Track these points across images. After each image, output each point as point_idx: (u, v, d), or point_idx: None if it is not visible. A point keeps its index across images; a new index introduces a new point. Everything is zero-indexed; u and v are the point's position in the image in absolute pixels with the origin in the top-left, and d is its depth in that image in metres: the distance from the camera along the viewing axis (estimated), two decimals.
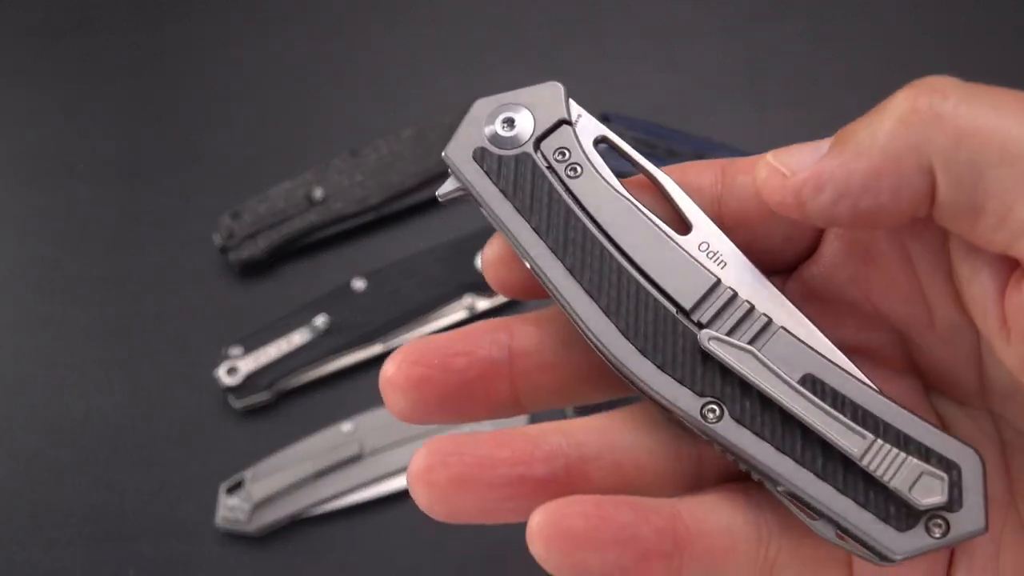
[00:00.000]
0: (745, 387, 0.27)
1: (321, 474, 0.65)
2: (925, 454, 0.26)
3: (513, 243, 0.29)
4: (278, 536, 0.65)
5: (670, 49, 0.82)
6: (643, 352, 0.28)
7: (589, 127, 0.30)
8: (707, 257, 0.29)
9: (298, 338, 0.69)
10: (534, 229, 0.29)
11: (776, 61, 0.81)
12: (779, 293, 0.29)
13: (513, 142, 0.30)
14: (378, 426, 0.66)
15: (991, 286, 0.26)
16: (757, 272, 0.29)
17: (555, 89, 0.30)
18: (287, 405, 0.70)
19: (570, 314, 0.28)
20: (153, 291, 0.74)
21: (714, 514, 0.28)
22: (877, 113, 0.26)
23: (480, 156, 0.30)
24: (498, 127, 0.30)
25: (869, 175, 0.26)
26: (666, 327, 0.28)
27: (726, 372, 0.27)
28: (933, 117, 0.25)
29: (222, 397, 0.69)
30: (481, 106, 0.30)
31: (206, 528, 0.65)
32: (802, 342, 0.28)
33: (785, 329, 0.28)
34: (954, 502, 0.26)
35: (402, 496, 0.66)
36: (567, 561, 0.26)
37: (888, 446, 0.26)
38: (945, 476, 0.26)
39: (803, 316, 0.28)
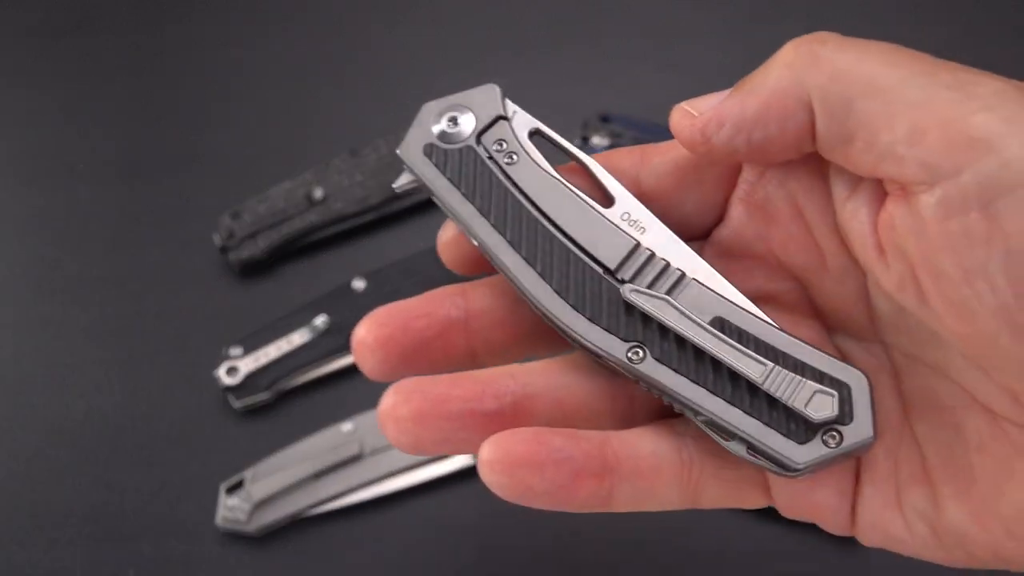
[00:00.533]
0: (663, 331, 0.32)
1: (321, 474, 0.65)
2: (819, 377, 0.31)
3: (462, 225, 0.34)
4: (278, 536, 0.65)
5: (670, 49, 0.82)
6: (576, 308, 0.32)
7: (524, 121, 0.35)
8: (628, 225, 0.33)
9: (298, 338, 0.69)
10: (478, 211, 0.33)
11: None
12: (692, 251, 0.33)
13: (457, 137, 0.34)
14: (378, 426, 0.66)
15: (866, 218, 0.31)
16: (672, 235, 0.33)
17: (492, 90, 0.35)
18: (287, 405, 0.70)
19: (512, 280, 0.33)
20: (153, 291, 0.74)
21: (641, 442, 0.32)
22: (768, 61, 0.31)
23: (430, 151, 0.35)
24: (444, 125, 0.35)
25: (759, 110, 0.30)
26: (594, 285, 0.33)
27: (647, 319, 0.32)
28: (812, 59, 0.30)
29: (222, 397, 0.69)
30: (429, 108, 0.35)
31: (206, 528, 0.65)
32: (711, 291, 0.32)
33: (697, 280, 0.32)
34: (845, 416, 0.30)
35: (402, 496, 0.66)
36: (511, 482, 0.30)
37: (786, 372, 0.31)
38: (835, 393, 0.30)
39: (713, 270, 0.33)
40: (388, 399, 0.32)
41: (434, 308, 0.34)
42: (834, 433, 0.30)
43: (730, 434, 0.31)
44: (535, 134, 0.35)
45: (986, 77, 0.28)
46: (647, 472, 0.32)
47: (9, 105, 0.83)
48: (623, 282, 0.33)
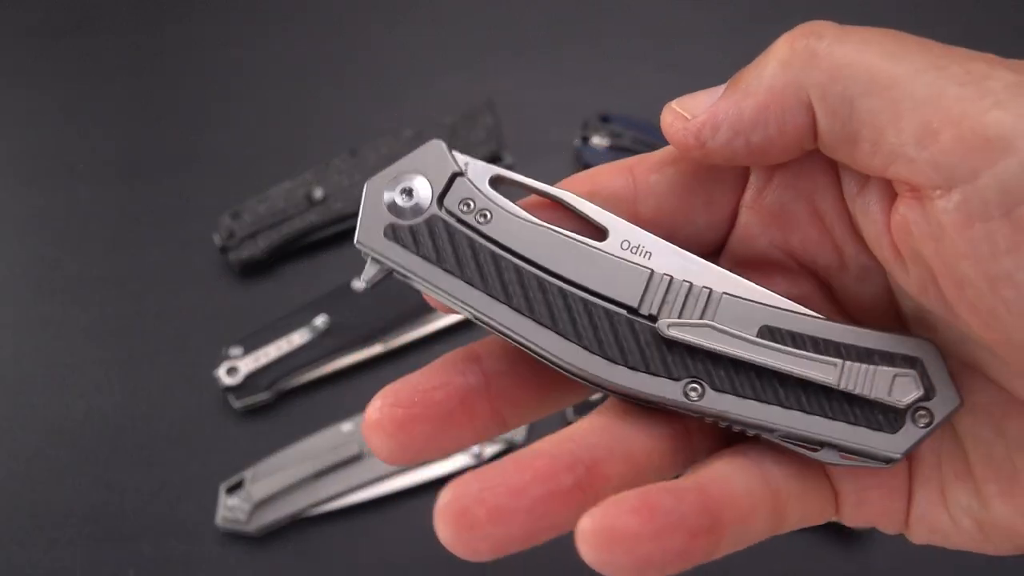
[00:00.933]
0: (714, 358, 0.29)
1: (321, 474, 0.65)
2: (889, 359, 0.29)
3: (452, 303, 0.30)
4: (278, 536, 0.65)
5: (670, 49, 0.82)
6: (613, 360, 0.29)
7: (479, 171, 0.31)
8: (632, 253, 0.31)
9: (298, 338, 0.69)
10: (468, 283, 0.30)
11: None
12: (708, 263, 0.31)
13: (417, 209, 0.31)
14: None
15: (879, 219, 0.29)
16: (681, 251, 0.31)
17: (437, 147, 0.31)
18: (287, 405, 0.70)
19: (532, 350, 0.30)
20: (153, 291, 0.74)
21: (731, 482, 0.29)
22: (763, 56, 0.29)
23: (392, 233, 0.30)
24: (398, 200, 0.31)
25: (757, 111, 0.29)
26: (623, 330, 0.30)
27: (692, 351, 0.29)
28: (809, 56, 0.28)
29: (222, 397, 0.69)
30: (374, 185, 0.31)
31: (206, 528, 0.65)
32: (747, 299, 0.30)
33: (727, 294, 0.30)
34: (928, 390, 0.29)
35: (402, 496, 0.66)
36: (628, 558, 0.26)
37: (856, 365, 0.29)
38: (913, 372, 0.29)
39: (736, 276, 0.30)
40: (450, 503, 0.28)
41: (450, 377, 0.31)
42: (923, 411, 0.29)
43: (817, 443, 0.29)
44: (496, 180, 0.32)
45: (999, 68, 0.26)
46: (747, 513, 0.29)
47: (9, 105, 0.83)
48: (652, 318, 0.30)
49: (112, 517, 0.66)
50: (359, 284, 0.30)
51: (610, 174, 0.32)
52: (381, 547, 0.65)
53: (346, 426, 0.66)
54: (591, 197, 0.32)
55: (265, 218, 0.73)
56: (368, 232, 0.31)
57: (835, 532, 0.63)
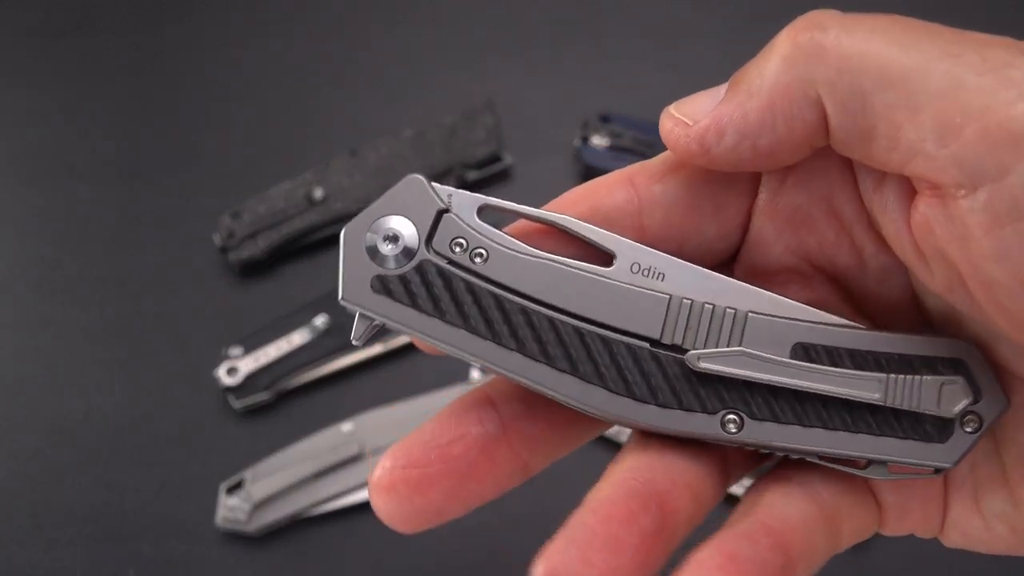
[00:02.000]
0: (750, 385, 0.28)
1: (321, 474, 0.65)
2: (931, 365, 0.28)
3: (458, 355, 0.28)
4: (278, 536, 0.65)
5: (670, 49, 0.82)
6: (642, 400, 0.28)
7: (466, 202, 0.29)
8: (644, 277, 0.29)
9: (298, 338, 0.69)
10: (473, 333, 0.28)
11: None
12: (725, 277, 0.29)
13: (405, 255, 0.28)
14: (378, 426, 0.66)
15: (899, 218, 0.28)
16: (695, 267, 0.29)
17: (416, 183, 0.29)
18: (287, 405, 0.70)
19: (553, 397, 0.28)
20: (153, 291, 0.74)
21: (790, 512, 0.28)
22: (765, 53, 0.27)
23: (380, 284, 0.28)
24: (382, 247, 0.28)
25: (763, 113, 0.27)
26: (649, 365, 0.28)
27: (726, 381, 0.28)
28: (815, 50, 0.26)
29: (222, 397, 0.69)
30: (351, 233, 0.28)
31: (206, 528, 0.65)
32: (774, 316, 0.28)
33: (753, 312, 0.28)
34: (975, 394, 0.28)
35: None
36: None
37: (900, 378, 0.28)
38: (960, 378, 0.28)
39: (756, 288, 0.29)
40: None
41: (467, 428, 0.29)
42: (971, 415, 0.28)
43: (865, 460, 0.28)
44: (483, 209, 0.29)
45: (1019, 56, 0.24)
46: (811, 542, 0.28)
47: (9, 105, 0.83)
48: (677, 347, 0.28)
49: (112, 517, 0.66)
50: (353, 341, 0.28)
51: (609, 187, 0.30)
52: (381, 547, 0.65)
53: (346, 426, 0.66)
54: (592, 215, 0.30)
55: (265, 218, 0.73)
56: (353, 287, 0.28)
57: None
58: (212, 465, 0.67)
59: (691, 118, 0.28)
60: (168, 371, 0.71)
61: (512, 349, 0.28)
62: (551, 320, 0.28)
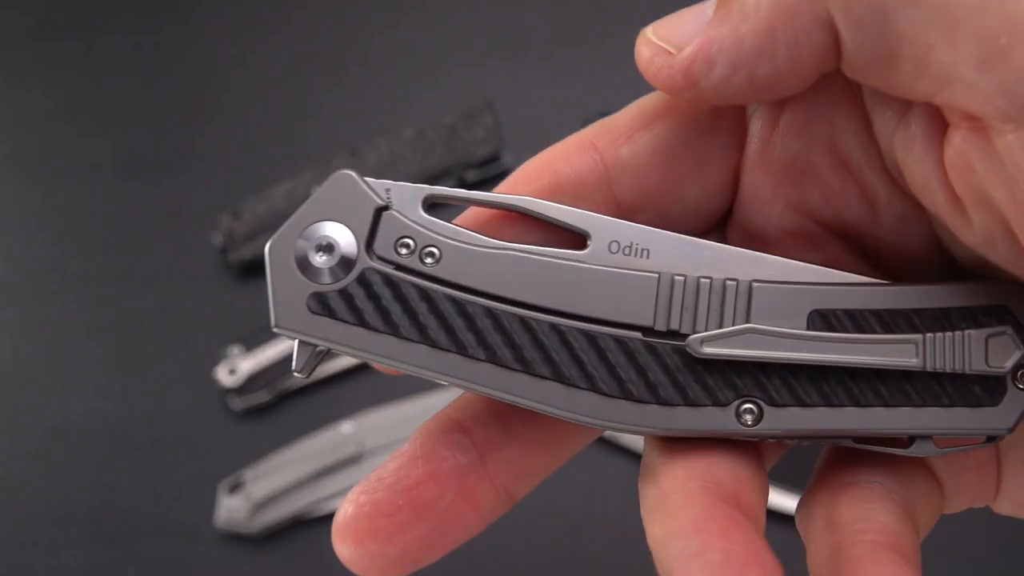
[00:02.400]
0: (764, 367, 0.24)
1: (321, 474, 0.65)
2: (971, 316, 0.24)
3: (419, 374, 0.24)
4: (278, 536, 0.65)
5: None
6: (640, 400, 0.24)
7: (408, 196, 0.25)
8: (626, 256, 0.25)
9: None
10: (434, 347, 0.24)
11: None
12: (720, 245, 0.26)
13: (343, 266, 0.24)
14: (378, 426, 0.66)
15: (929, 156, 0.23)
16: (683, 237, 0.25)
17: (345, 180, 0.25)
18: (287, 405, 0.70)
19: (536, 409, 0.24)
20: (153, 291, 0.74)
21: (886, 520, 0.25)
22: None
23: (318, 304, 0.24)
24: (315, 260, 0.24)
25: (761, 38, 0.23)
26: (644, 358, 0.24)
27: (736, 365, 0.24)
28: None
29: (222, 397, 0.69)
30: (278, 248, 0.24)
31: (206, 528, 0.65)
32: (782, 283, 0.25)
33: (757, 281, 0.25)
34: None
35: None
36: None
37: (937, 335, 0.24)
38: (1008, 328, 0.24)
39: (757, 253, 0.25)
40: None
41: (437, 463, 0.25)
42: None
43: (908, 438, 0.25)
44: (431, 204, 0.25)
45: None
46: (912, 546, 0.24)
47: (9, 105, 0.83)
48: (675, 334, 0.24)
49: (112, 517, 0.66)
50: (295, 373, 0.25)
51: (570, 156, 0.26)
52: None
53: (346, 426, 0.66)
54: (554, 192, 0.26)
55: (265, 218, 0.73)
56: (287, 311, 0.24)
57: None
58: (212, 465, 0.67)
59: (674, 44, 0.24)
60: (168, 371, 0.71)
61: (482, 360, 0.24)
62: (523, 320, 0.24)
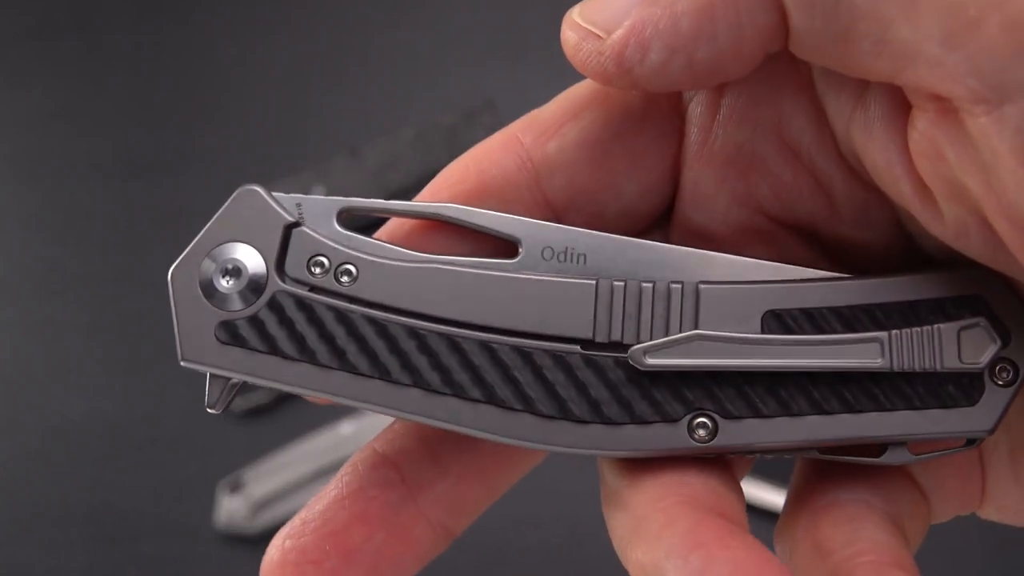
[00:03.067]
0: (716, 377, 0.22)
1: (321, 474, 0.65)
2: (940, 309, 0.22)
3: (341, 402, 0.22)
4: None
5: None
6: (582, 420, 0.22)
7: (320, 210, 0.23)
8: (560, 262, 0.23)
9: None
10: (354, 373, 0.22)
11: None
12: (662, 245, 0.24)
13: (252, 290, 0.22)
14: (378, 426, 0.66)
15: (892, 142, 0.21)
16: (621, 238, 0.23)
17: (250, 196, 0.23)
18: (287, 405, 0.70)
19: (471, 435, 0.22)
20: (153, 291, 0.74)
21: (878, 536, 0.23)
22: None
23: (227, 334, 0.23)
24: (221, 285, 0.23)
25: (699, 18, 0.20)
26: (584, 374, 0.22)
27: (685, 376, 0.22)
28: None
29: None
30: (181, 275, 0.24)
31: (206, 528, 0.65)
32: (731, 283, 0.23)
33: (704, 282, 0.23)
34: (1003, 336, 0.22)
35: None
36: None
37: (903, 331, 0.22)
38: (982, 319, 0.22)
39: (704, 252, 0.23)
40: None
41: (365, 504, 0.23)
42: (1003, 364, 0.22)
43: (879, 446, 0.23)
44: (347, 216, 0.24)
45: None
46: (902, 558, 0.22)
47: (9, 105, 0.83)
48: (617, 345, 0.22)
49: (112, 517, 0.66)
50: (208, 409, 0.24)
51: (495, 155, 0.24)
52: None
53: (345, 427, 0.66)
54: (481, 195, 0.24)
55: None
56: (193, 342, 0.23)
57: None
58: (212, 465, 0.67)
59: (603, 27, 0.22)
60: (168, 371, 0.70)
61: (408, 385, 0.22)
62: (451, 339, 0.22)
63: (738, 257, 0.23)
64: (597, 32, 0.22)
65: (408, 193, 0.75)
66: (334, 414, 0.67)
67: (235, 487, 0.65)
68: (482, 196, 0.24)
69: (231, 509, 0.64)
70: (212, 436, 0.69)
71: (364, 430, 0.66)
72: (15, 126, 0.82)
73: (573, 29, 0.23)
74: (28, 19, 0.86)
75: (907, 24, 0.19)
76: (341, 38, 0.85)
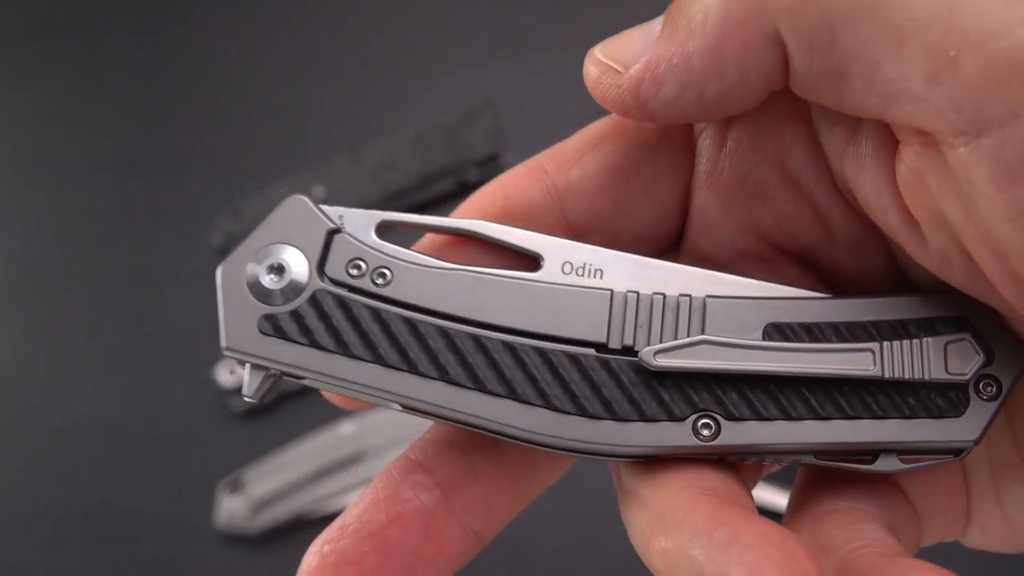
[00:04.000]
0: (720, 380, 0.24)
1: (321, 474, 0.65)
2: (929, 327, 0.24)
3: (370, 397, 0.24)
4: (277, 537, 0.65)
5: None
6: (595, 416, 0.24)
7: (360, 221, 0.25)
8: (579, 276, 0.25)
9: None
10: (385, 366, 0.24)
11: None
12: (673, 264, 0.26)
13: (295, 288, 0.24)
14: (378, 426, 0.66)
15: (880, 174, 0.23)
16: (636, 257, 0.25)
17: (299, 205, 0.26)
18: (287, 405, 0.70)
19: (489, 430, 0.24)
20: (153, 291, 0.74)
21: (880, 536, 0.24)
22: None
23: (270, 326, 0.24)
24: (266, 281, 0.25)
25: (709, 57, 0.22)
26: (598, 374, 0.24)
27: (692, 379, 0.24)
28: None
29: (222, 397, 0.69)
30: (230, 271, 0.26)
31: (206, 528, 0.65)
32: (736, 297, 0.25)
33: (712, 296, 0.25)
34: (987, 353, 0.24)
35: None
36: None
37: (894, 343, 0.24)
38: (966, 334, 0.24)
39: (711, 271, 0.25)
40: None
41: (400, 506, 0.24)
42: (987, 380, 0.24)
43: (871, 452, 0.24)
44: (385, 228, 0.26)
45: None
46: (898, 553, 0.23)
47: (9, 105, 0.83)
48: (629, 350, 0.24)
49: (112, 517, 0.66)
50: (246, 398, 0.24)
51: (521, 182, 0.26)
52: None
53: (346, 427, 0.66)
54: (507, 216, 0.26)
55: (265, 218, 0.73)
56: (237, 332, 0.24)
57: None
58: (212, 465, 0.67)
59: (622, 63, 0.24)
60: (168, 371, 0.71)
61: (434, 378, 0.24)
62: (476, 338, 0.24)
63: (742, 278, 0.25)
64: (616, 67, 0.24)
65: (408, 193, 0.75)
66: (334, 414, 0.67)
67: (235, 487, 0.65)
68: (507, 218, 0.26)
69: (231, 509, 0.64)
70: (212, 436, 0.69)
71: (364, 430, 0.66)
72: (15, 126, 0.82)
73: (595, 64, 0.24)
74: (28, 19, 0.86)
75: (895, 64, 0.21)
76: (341, 38, 0.85)
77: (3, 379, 0.71)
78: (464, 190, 0.76)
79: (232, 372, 0.68)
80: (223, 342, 0.24)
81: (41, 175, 0.80)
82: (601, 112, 0.26)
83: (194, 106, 0.82)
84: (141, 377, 0.71)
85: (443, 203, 0.76)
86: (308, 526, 0.65)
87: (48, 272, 0.75)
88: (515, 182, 0.26)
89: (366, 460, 0.65)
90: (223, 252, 0.73)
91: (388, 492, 0.25)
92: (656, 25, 0.24)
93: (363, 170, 0.75)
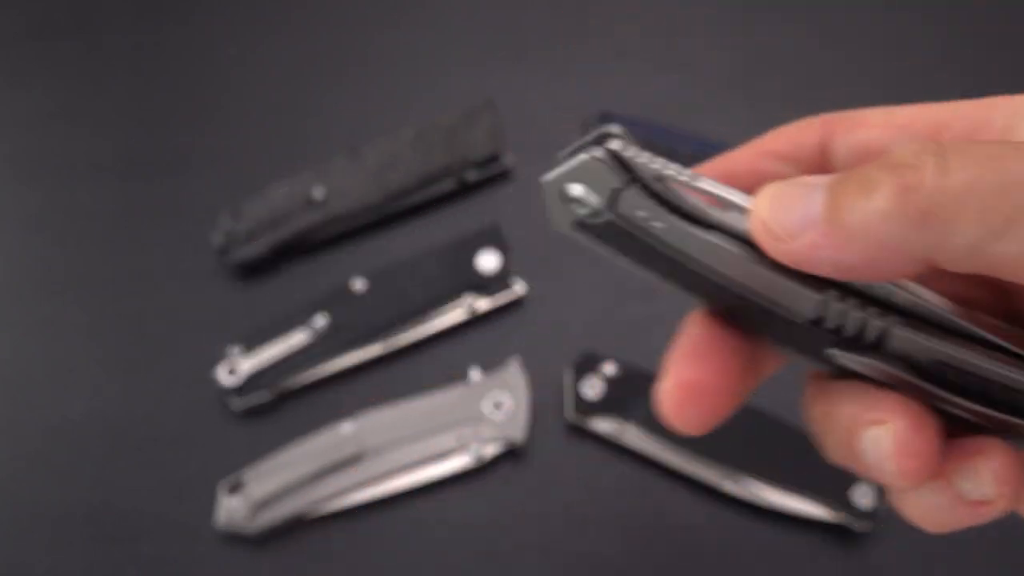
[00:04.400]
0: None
1: (321, 474, 0.65)
2: None
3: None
4: (278, 537, 0.65)
5: (671, 49, 0.82)
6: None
7: (648, 172, 0.28)
8: None
9: (298, 338, 0.69)
10: (657, 274, 0.29)
11: (777, 60, 0.81)
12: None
13: (592, 215, 0.29)
14: (378, 426, 0.66)
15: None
16: None
17: (594, 166, 0.29)
18: (287, 405, 0.70)
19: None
20: (153, 291, 0.74)
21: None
22: (862, 185, 0.24)
23: (578, 225, 0.30)
24: (572, 203, 0.30)
25: (864, 263, 0.24)
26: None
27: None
28: (920, 217, 0.23)
29: (222, 397, 0.69)
30: (550, 186, 0.30)
31: (206, 528, 0.65)
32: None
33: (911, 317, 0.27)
34: None
35: (402, 496, 0.66)
36: None
37: None
38: None
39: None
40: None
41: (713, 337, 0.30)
42: None
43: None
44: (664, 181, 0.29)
45: None
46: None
47: (9, 105, 0.83)
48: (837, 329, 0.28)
49: (112, 517, 0.66)
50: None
51: (802, 130, 0.32)
52: (382, 548, 0.65)
53: (346, 427, 0.66)
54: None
55: (265, 218, 0.73)
56: (558, 222, 0.30)
57: (835, 532, 0.63)
58: (212, 465, 0.67)
59: (786, 230, 0.25)
60: (168, 371, 0.71)
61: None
62: (718, 286, 0.29)
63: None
64: (781, 235, 0.26)
65: (408, 193, 0.75)
66: (334, 414, 0.67)
67: (235, 487, 0.65)
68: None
69: (231, 509, 0.64)
70: (212, 436, 0.69)
71: (364, 430, 0.66)
72: (15, 126, 0.82)
73: (761, 224, 0.26)
74: (28, 19, 0.86)
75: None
76: (341, 38, 0.85)
77: (3, 379, 0.71)
78: (464, 190, 0.76)
79: (232, 372, 0.68)
80: (551, 223, 0.30)
81: (41, 175, 0.80)
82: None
83: (194, 106, 0.82)
84: (141, 377, 0.71)
85: (443, 203, 0.76)
86: (308, 526, 0.65)
87: (48, 272, 0.75)
88: (798, 131, 0.32)
89: (366, 460, 0.65)
90: (223, 252, 0.73)
91: (691, 351, 0.30)
92: (817, 197, 0.25)
93: (363, 170, 0.75)
